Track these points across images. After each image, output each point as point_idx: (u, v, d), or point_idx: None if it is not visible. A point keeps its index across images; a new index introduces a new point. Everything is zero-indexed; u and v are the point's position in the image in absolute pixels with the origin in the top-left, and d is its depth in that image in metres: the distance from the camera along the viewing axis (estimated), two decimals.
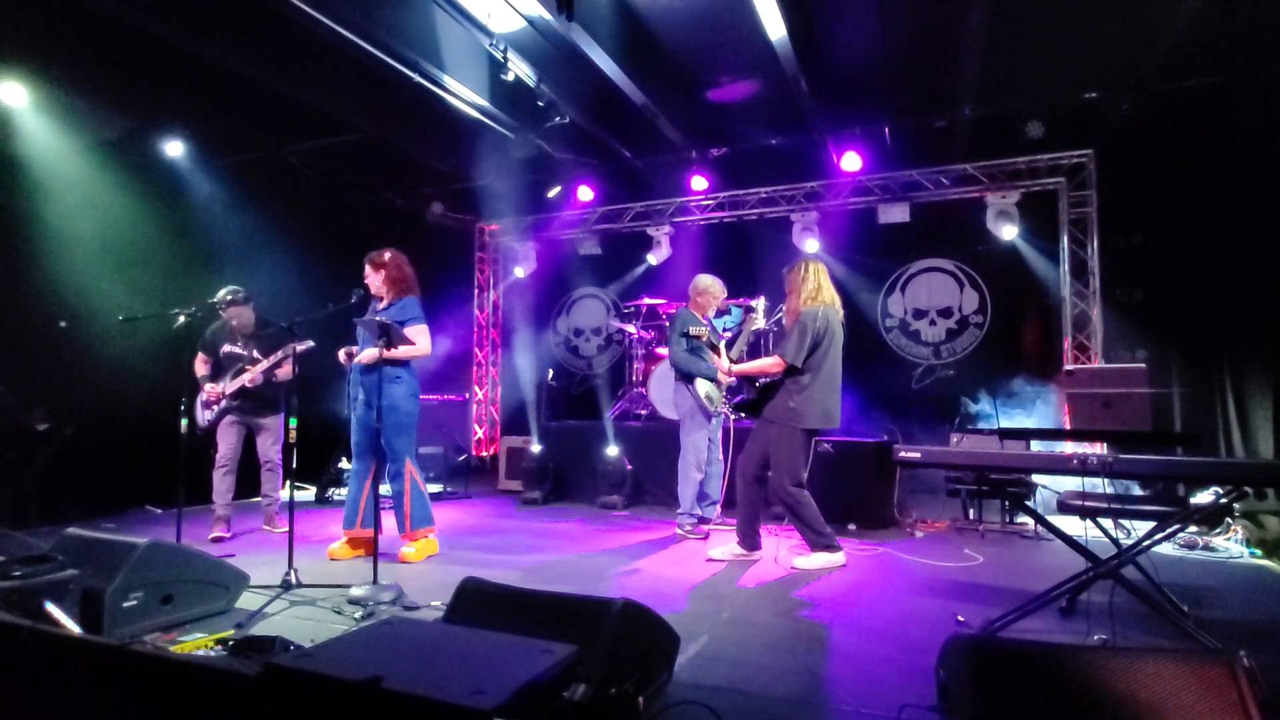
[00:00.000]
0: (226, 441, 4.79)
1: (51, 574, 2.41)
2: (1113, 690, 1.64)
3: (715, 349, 4.34)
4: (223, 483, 4.79)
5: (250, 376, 4.66)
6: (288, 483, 4.08)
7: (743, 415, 4.63)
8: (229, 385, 4.70)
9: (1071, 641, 2.59)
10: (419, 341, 4.01)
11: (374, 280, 4.14)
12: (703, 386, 4.66)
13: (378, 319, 3.63)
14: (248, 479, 5.05)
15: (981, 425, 5.89)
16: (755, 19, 4.60)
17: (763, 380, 4.09)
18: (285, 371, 4.72)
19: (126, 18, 4.51)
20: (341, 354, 4.12)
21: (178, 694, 1.54)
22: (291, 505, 3.44)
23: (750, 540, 4.07)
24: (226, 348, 4.80)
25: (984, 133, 6.35)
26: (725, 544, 4.17)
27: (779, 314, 5.44)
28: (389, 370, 3.90)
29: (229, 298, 4.64)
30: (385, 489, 4.11)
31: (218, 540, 4.58)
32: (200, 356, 4.84)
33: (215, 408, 4.74)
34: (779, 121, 6.59)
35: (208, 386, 4.75)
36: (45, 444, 5.14)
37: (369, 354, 3.90)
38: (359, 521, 4.04)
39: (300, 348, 4.37)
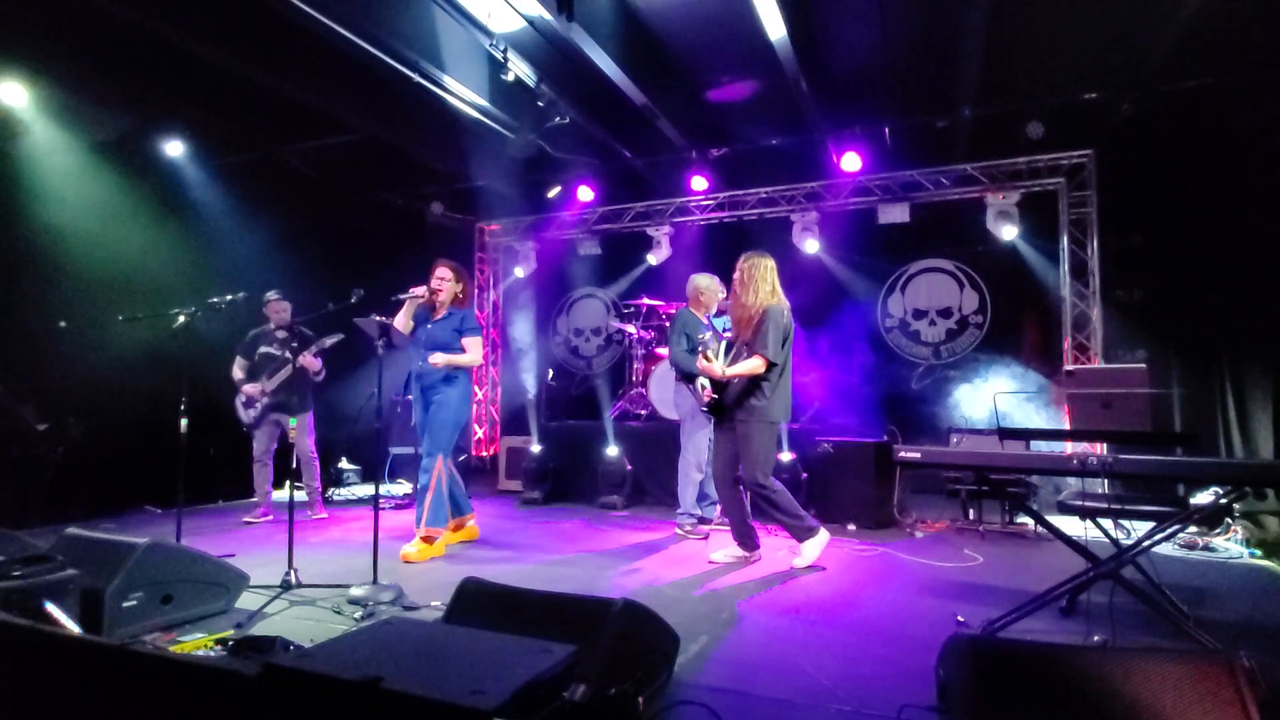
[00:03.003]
0: (261, 440, 5.21)
1: (51, 574, 2.41)
2: (1113, 690, 1.64)
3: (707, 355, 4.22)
4: (259, 475, 5.24)
5: (304, 364, 4.93)
6: (287, 483, 4.11)
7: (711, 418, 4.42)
8: (268, 384, 5.04)
9: (1071, 641, 2.59)
10: (474, 352, 4.30)
11: (450, 287, 4.28)
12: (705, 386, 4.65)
13: (377, 319, 3.66)
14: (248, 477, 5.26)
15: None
16: (755, 19, 4.59)
17: (732, 381, 3.96)
18: (314, 365, 5.08)
19: (127, 18, 4.51)
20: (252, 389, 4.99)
21: (178, 694, 1.55)
22: (291, 505, 3.45)
23: (748, 541, 4.07)
24: (263, 349, 5.13)
25: (984, 133, 6.34)
26: (725, 547, 4.16)
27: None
28: (446, 377, 4.21)
29: (271, 297, 5.12)
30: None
31: (248, 524, 5.06)
32: (238, 361, 5.19)
33: (258, 405, 5.10)
34: (779, 121, 6.59)
35: (245, 387, 5.11)
36: (55, 443, 5.24)
37: (438, 359, 4.12)
38: (449, 511, 4.23)
39: (329, 342, 4.87)
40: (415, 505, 4.17)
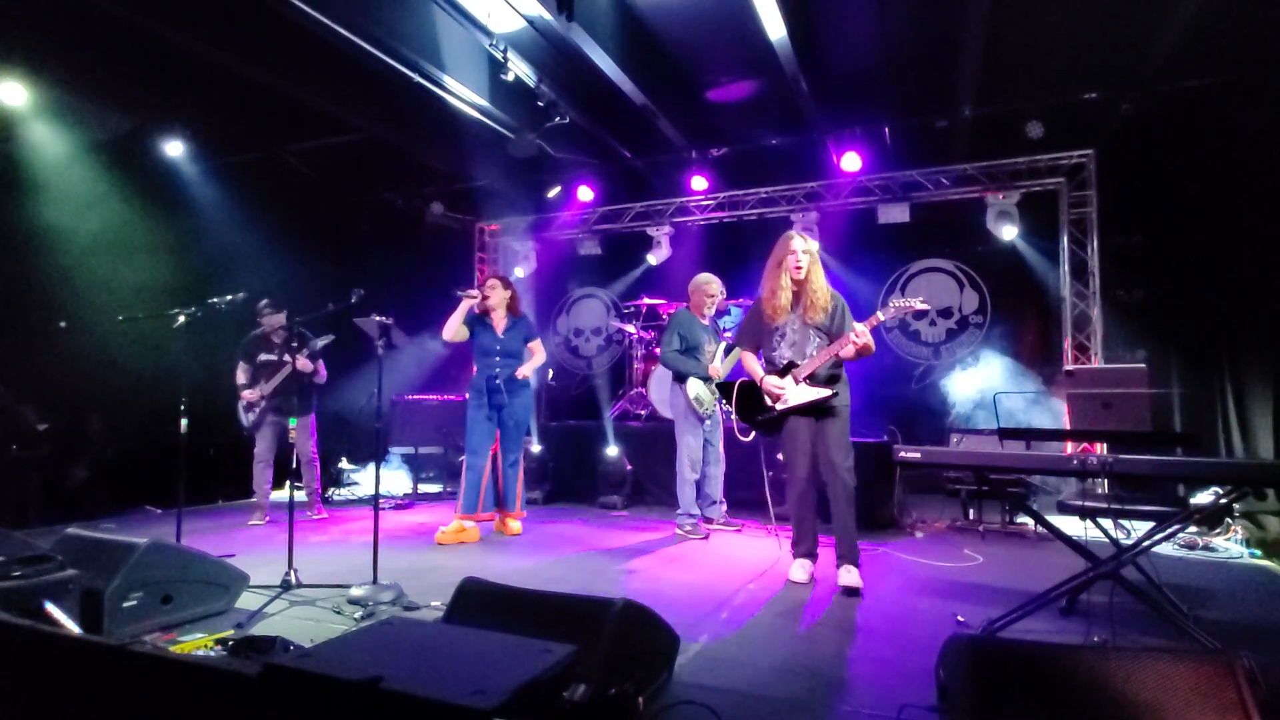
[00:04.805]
0: (264, 440, 5.25)
1: (51, 574, 2.41)
2: (1113, 690, 1.64)
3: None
4: (261, 476, 5.27)
5: (297, 365, 5.02)
6: (286, 483, 4.12)
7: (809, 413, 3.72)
8: (265, 387, 5.12)
9: (1071, 641, 2.59)
10: (542, 352, 4.97)
11: (499, 294, 4.75)
12: (693, 388, 4.64)
13: (377, 318, 3.68)
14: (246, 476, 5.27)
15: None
16: (755, 19, 4.60)
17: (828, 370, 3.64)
18: (314, 370, 5.21)
19: (126, 17, 4.51)
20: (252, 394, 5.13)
21: (178, 694, 1.54)
22: (291, 505, 3.45)
23: (813, 549, 3.71)
24: (262, 356, 5.21)
25: (984, 133, 6.34)
26: (799, 565, 3.66)
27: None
28: (522, 379, 4.79)
29: (264, 309, 5.18)
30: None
31: (254, 525, 5.07)
32: (241, 366, 5.27)
33: (256, 409, 5.18)
34: (779, 121, 6.58)
35: (245, 393, 5.19)
36: (77, 445, 5.35)
37: (526, 370, 4.77)
38: (480, 506, 4.59)
39: (320, 343, 4.98)
40: (507, 493, 4.79)
